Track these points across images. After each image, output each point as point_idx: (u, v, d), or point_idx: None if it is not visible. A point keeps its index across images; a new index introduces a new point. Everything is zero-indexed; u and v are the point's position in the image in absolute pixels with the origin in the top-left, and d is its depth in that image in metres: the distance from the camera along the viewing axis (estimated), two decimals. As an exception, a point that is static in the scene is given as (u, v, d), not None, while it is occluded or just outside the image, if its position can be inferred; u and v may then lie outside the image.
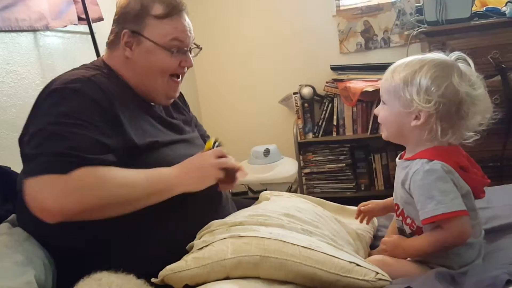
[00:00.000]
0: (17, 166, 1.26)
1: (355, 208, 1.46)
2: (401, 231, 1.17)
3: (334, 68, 2.96)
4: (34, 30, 1.84)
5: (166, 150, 1.22)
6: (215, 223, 1.13)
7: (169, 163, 1.19)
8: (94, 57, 1.97)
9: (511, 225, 1.25)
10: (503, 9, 2.37)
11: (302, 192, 3.02)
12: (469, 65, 1.07)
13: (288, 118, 3.21)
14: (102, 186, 1.03)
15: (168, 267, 1.00)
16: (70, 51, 2.08)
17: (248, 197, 2.25)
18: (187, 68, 1.32)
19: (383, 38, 2.99)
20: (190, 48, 1.31)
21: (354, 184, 2.96)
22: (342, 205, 1.46)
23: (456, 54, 1.07)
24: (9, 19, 1.66)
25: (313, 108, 3.08)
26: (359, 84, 2.74)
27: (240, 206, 1.40)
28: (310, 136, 3.03)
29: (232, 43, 3.29)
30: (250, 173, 2.88)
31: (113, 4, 2.35)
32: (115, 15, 1.29)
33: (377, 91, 2.64)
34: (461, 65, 1.05)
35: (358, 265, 0.97)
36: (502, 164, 2.35)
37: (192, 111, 1.61)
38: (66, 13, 1.95)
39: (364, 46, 3.03)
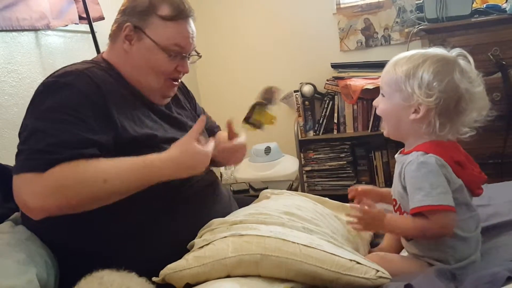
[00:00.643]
0: (19, 165, 1.27)
1: (356, 206, 1.46)
2: None
3: (335, 66, 2.96)
4: (35, 30, 1.84)
5: (166, 147, 1.21)
6: (216, 221, 1.13)
7: None
8: (95, 56, 1.98)
9: (511, 222, 1.25)
10: (504, 6, 2.37)
11: (303, 190, 3.02)
12: (469, 62, 1.07)
13: (289, 116, 3.21)
14: (82, 182, 1.01)
15: (169, 266, 1.00)
16: (71, 50, 2.08)
17: (249, 195, 2.25)
18: (183, 74, 1.31)
19: (383, 35, 2.99)
20: (189, 54, 1.30)
21: (355, 182, 2.96)
22: (342, 203, 1.46)
23: (457, 50, 1.08)
24: (10, 18, 1.67)
25: (313, 106, 3.08)
26: (359, 81, 2.74)
27: (241, 203, 1.41)
28: (311, 134, 3.03)
29: (233, 41, 3.29)
30: (251, 171, 2.89)
31: (114, 3, 2.36)
32: (122, 5, 1.28)
33: (377, 89, 2.64)
34: (462, 61, 1.06)
35: (358, 263, 0.98)
36: (502, 161, 2.36)
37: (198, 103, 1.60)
38: (67, 12, 1.95)
39: (364, 43, 3.03)
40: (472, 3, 2.41)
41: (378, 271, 0.98)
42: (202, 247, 1.03)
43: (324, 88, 2.96)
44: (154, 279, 1.01)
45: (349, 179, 2.97)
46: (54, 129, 1.03)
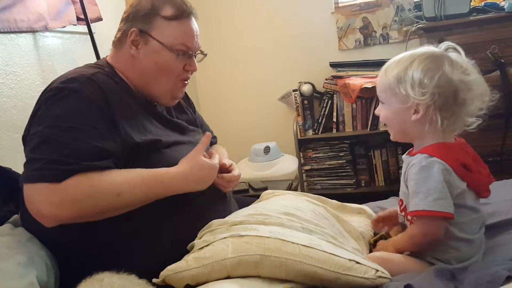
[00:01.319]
0: (18, 167, 1.27)
1: (355, 205, 1.47)
2: (403, 226, 1.18)
3: (333, 65, 2.96)
4: (33, 31, 1.83)
5: (169, 152, 1.22)
6: (215, 222, 1.13)
7: (172, 165, 1.19)
8: (94, 57, 1.98)
9: (510, 220, 1.25)
10: (502, 3, 2.37)
11: (302, 189, 3.03)
12: (459, 52, 1.08)
13: (288, 116, 3.21)
14: (96, 195, 1.03)
15: (169, 267, 1.01)
16: (69, 52, 2.08)
17: (249, 194, 2.25)
18: (191, 73, 1.32)
19: (381, 34, 2.99)
20: (195, 53, 1.31)
21: (354, 180, 2.97)
22: (342, 203, 1.46)
23: (445, 44, 1.09)
24: (8, 20, 1.66)
25: (312, 105, 3.08)
26: (358, 80, 2.74)
27: (241, 204, 1.41)
28: (310, 133, 3.04)
29: (231, 41, 3.29)
30: (250, 171, 2.89)
31: (112, 4, 2.37)
32: (124, 13, 1.29)
33: (376, 88, 2.64)
34: (452, 54, 1.06)
35: (358, 262, 0.98)
36: (501, 159, 2.36)
37: (197, 111, 1.60)
38: (65, 13, 1.95)
39: (363, 42, 3.03)
40: (470, 1, 2.41)
41: (377, 271, 0.98)
42: (202, 248, 1.03)
43: (323, 87, 2.97)
44: (154, 280, 1.01)
45: (348, 178, 2.97)
46: (66, 138, 1.04)
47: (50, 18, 1.86)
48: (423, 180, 1.03)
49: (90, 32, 1.97)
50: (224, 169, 1.34)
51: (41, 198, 1.00)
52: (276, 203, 1.25)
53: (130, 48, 1.24)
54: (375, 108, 2.75)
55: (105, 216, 1.06)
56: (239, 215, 1.17)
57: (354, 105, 2.87)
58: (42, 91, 1.17)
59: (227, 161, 1.39)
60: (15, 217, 1.23)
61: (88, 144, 1.05)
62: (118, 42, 1.28)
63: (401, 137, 1.15)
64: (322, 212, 1.24)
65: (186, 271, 0.98)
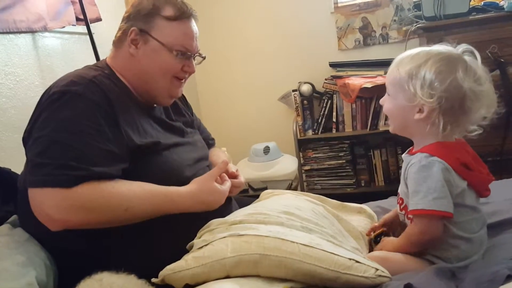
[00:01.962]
0: (17, 167, 1.27)
1: (355, 204, 1.47)
2: (403, 225, 1.18)
3: (333, 65, 2.96)
4: (32, 32, 1.83)
5: (168, 154, 1.23)
6: (215, 222, 1.13)
7: (172, 167, 1.20)
8: (93, 58, 1.97)
9: (511, 219, 1.24)
10: (501, 3, 2.37)
11: (302, 189, 3.02)
12: (476, 58, 1.05)
13: (288, 116, 3.21)
14: (105, 207, 1.04)
15: (168, 267, 1.00)
16: (68, 52, 2.08)
17: (249, 194, 2.25)
18: (189, 74, 1.33)
19: (381, 34, 2.99)
20: (194, 55, 1.32)
21: (354, 180, 2.97)
22: (342, 202, 1.46)
23: (463, 46, 1.06)
24: (7, 20, 1.66)
25: (312, 105, 3.09)
26: (358, 80, 2.74)
27: (241, 203, 1.41)
28: (309, 133, 3.04)
29: (231, 41, 3.29)
30: (250, 171, 2.89)
31: (111, 4, 2.37)
32: (126, 12, 1.30)
33: (375, 88, 2.65)
34: (468, 58, 1.04)
35: (357, 261, 0.97)
36: (501, 158, 2.36)
37: (194, 113, 1.61)
38: (64, 14, 1.95)
39: (362, 42, 3.03)
40: (470, 1, 2.41)
41: (377, 269, 0.97)
42: (201, 247, 1.03)
43: (323, 87, 2.97)
44: (153, 280, 1.01)
45: (348, 178, 2.97)
46: (74, 141, 1.04)
47: (49, 18, 1.86)
48: (422, 179, 1.02)
49: (90, 33, 1.97)
50: (232, 176, 1.35)
51: (51, 202, 1.00)
52: (276, 202, 1.25)
53: (129, 47, 1.25)
54: (375, 107, 2.78)
55: (108, 226, 1.07)
56: (238, 214, 1.17)
57: (354, 105, 2.87)
58: (42, 92, 1.17)
59: (233, 168, 1.41)
60: (14, 217, 1.23)
61: (96, 148, 1.05)
62: (118, 41, 1.29)
63: (400, 131, 1.15)
64: (321, 211, 1.24)
65: (185, 270, 0.98)
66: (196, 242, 1.07)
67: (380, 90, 2.70)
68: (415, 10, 2.71)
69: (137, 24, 1.25)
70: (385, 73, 2.73)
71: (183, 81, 1.33)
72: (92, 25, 2.00)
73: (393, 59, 1.11)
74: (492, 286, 0.89)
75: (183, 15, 1.26)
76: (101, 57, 1.39)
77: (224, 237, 1.02)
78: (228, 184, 1.27)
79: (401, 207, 1.17)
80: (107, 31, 2.18)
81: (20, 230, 1.14)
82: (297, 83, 3.05)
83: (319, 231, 1.09)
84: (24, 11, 1.73)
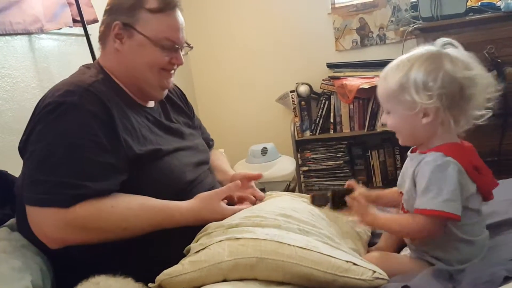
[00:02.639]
0: (14, 170, 1.26)
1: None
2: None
3: (330, 66, 2.96)
4: (28, 33, 1.82)
5: (169, 159, 1.21)
6: (212, 225, 1.12)
7: (173, 172, 1.19)
8: (90, 59, 1.96)
9: (509, 220, 1.24)
10: (498, 3, 2.37)
11: (300, 190, 3.02)
12: (457, 47, 1.05)
13: (285, 116, 3.21)
14: (103, 227, 1.04)
15: (165, 271, 1.00)
16: (65, 54, 2.07)
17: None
18: (177, 66, 1.30)
19: (378, 35, 2.99)
20: (181, 46, 1.29)
21: (352, 181, 2.96)
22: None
23: (441, 40, 1.06)
24: (3, 22, 1.65)
25: (310, 106, 3.08)
26: (355, 81, 2.74)
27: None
28: (307, 134, 3.03)
29: (228, 42, 3.29)
30: (248, 172, 2.88)
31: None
32: (107, 5, 1.26)
33: (373, 88, 2.65)
34: (450, 50, 1.04)
35: (355, 264, 0.97)
36: (499, 159, 2.36)
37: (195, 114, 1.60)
38: (61, 15, 1.94)
39: (359, 43, 3.03)
40: (467, 1, 2.41)
41: (375, 272, 0.97)
42: (198, 251, 1.02)
43: (320, 88, 2.96)
44: (150, 285, 1.00)
45: (346, 179, 2.94)
46: (71, 157, 1.02)
47: (46, 20, 1.85)
48: (437, 179, 1.00)
49: (86, 34, 1.96)
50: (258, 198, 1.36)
51: (49, 222, 1.00)
52: (273, 204, 1.25)
53: (114, 42, 1.22)
54: (372, 108, 2.78)
55: (107, 241, 1.06)
56: (235, 217, 1.16)
57: (351, 106, 2.87)
58: (39, 94, 1.16)
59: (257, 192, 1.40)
60: (12, 221, 1.22)
61: (94, 162, 1.04)
62: (103, 36, 1.26)
63: (411, 142, 1.12)
64: (318, 212, 1.24)
65: (182, 275, 0.98)
66: (193, 246, 1.07)
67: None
68: (412, 10, 2.70)
69: (120, 17, 1.21)
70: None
71: (172, 72, 1.30)
72: (89, 27, 1.99)
73: (391, 59, 1.09)
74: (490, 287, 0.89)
75: (168, 6, 1.22)
76: (99, 60, 1.38)
77: (221, 240, 1.01)
78: (234, 209, 1.23)
79: (401, 206, 1.16)
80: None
81: (18, 235, 1.13)
82: (295, 84, 3.05)
83: (316, 233, 1.09)
84: (20, 13, 1.73)
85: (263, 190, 2.20)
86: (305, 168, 3.03)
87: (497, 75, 2.29)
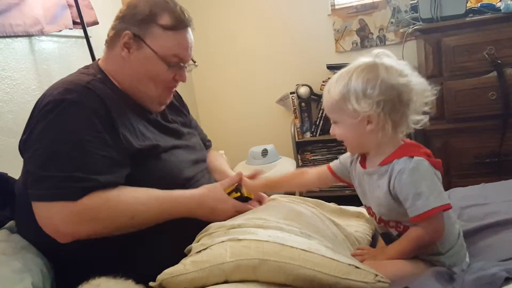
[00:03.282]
0: (14, 172, 1.26)
1: (354, 209, 1.47)
2: (386, 235, 1.18)
3: (331, 67, 2.96)
4: (29, 35, 1.83)
5: (167, 156, 1.22)
6: (214, 225, 1.12)
7: (172, 169, 1.20)
8: (90, 61, 1.97)
9: (508, 220, 1.25)
10: (498, 4, 2.37)
11: (301, 192, 3.02)
12: (390, 56, 1.08)
13: (286, 118, 3.21)
14: (111, 217, 1.04)
15: (166, 271, 1.00)
16: (65, 56, 2.07)
17: (247, 198, 2.25)
18: (178, 82, 1.31)
19: (378, 36, 2.99)
20: (187, 64, 1.30)
21: (352, 182, 2.96)
22: (341, 207, 1.46)
23: (375, 51, 1.09)
24: (3, 25, 1.66)
25: (310, 107, 3.08)
26: (355, 82, 2.74)
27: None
28: (307, 135, 3.04)
29: (228, 44, 3.29)
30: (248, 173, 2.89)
31: (108, 7, 2.36)
32: (120, 12, 1.26)
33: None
34: (385, 59, 1.06)
35: (357, 267, 0.97)
36: (499, 160, 2.36)
37: (190, 113, 1.60)
38: (61, 17, 1.95)
39: (359, 44, 3.04)
40: (467, 3, 2.42)
41: (377, 275, 0.97)
42: (199, 251, 1.02)
43: (320, 89, 2.97)
44: (151, 284, 1.00)
45: (346, 180, 2.97)
46: (74, 152, 1.03)
47: (46, 22, 1.86)
48: (419, 181, 1.02)
49: (86, 36, 1.97)
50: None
51: (59, 216, 1.00)
52: (275, 207, 1.25)
53: (121, 50, 1.23)
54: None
55: (116, 234, 1.07)
56: (237, 218, 1.16)
57: (352, 107, 2.87)
58: (39, 96, 1.15)
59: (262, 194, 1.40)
60: (11, 223, 1.22)
61: (98, 156, 1.05)
62: (111, 41, 1.26)
63: (359, 150, 1.16)
64: (320, 216, 1.24)
65: (183, 275, 0.97)
66: (195, 246, 1.07)
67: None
68: (412, 12, 2.71)
69: (132, 28, 1.21)
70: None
71: (174, 90, 1.32)
72: (89, 29, 2.00)
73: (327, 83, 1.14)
74: (490, 289, 0.89)
75: (180, 25, 1.23)
76: (99, 61, 1.38)
77: (223, 241, 1.01)
78: (246, 206, 1.25)
79: (377, 220, 1.16)
80: (104, 35, 2.16)
81: (18, 237, 1.13)
82: (295, 86, 3.05)
83: (318, 237, 1.09)
84: (20, 15, 1.73)
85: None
86: (305, 170, 3.03)
87: (497, 76, 2.29)
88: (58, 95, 1.09)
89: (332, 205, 1.44)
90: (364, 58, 1.09)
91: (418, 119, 1.07)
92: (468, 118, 2.35)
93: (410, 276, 1.01)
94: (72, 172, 1.01)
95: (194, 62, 1.34)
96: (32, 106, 1.15)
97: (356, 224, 1.36)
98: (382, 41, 2.99)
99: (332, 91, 1.08)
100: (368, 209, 1.18)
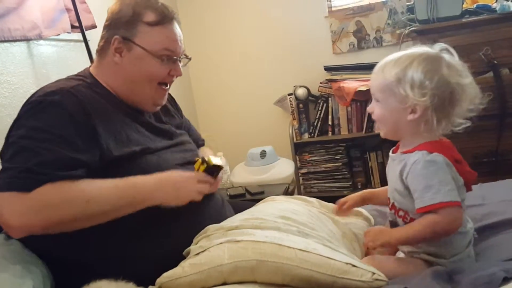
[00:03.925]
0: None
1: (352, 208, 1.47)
2: (393, 224, 1.18)
3: (328, 69, 2.97)
4: (27, 40, 1.83)
5: (154, 157, 1.22)
6: (212, 227, 1.13)
7: (157, 170, 1.18)
8: (88, 64, 1.97)
9: (506, 221, 1.25)
10: (494, 5, 2.38)
11: (299, 193, 3.03)
12: (453, 55, 1.08)
13: (284, 119, 3.22)
14: (65, 203, 1.01)
15: (165, 274, 1.00)
16: (64, 60, 2.08)
17: (246, 199, 2.25)
18: (176, 77, 1.32)
19: (375, 37, 3.00)
20: (180, 57, 1.31)
21: (350, 183, 2.97)
22: (338, 206, 1.46)
23: (439, 45, 1.09)
24: (1, 29, 1.66)
25: (308, 108, 3.09)
26: (352, 83, 2.75)
27: (237, 208, 1.41)
28: (305, 136, 3.04)
29: (226, 45, 3.30)
30: (247, 175, 2.89)
31: (106, 11, 2.37)
32: (106, 21, 1.29)
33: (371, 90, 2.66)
34: (446, 55, 1.07)
35: (354, 266, 0.98)
36: (496, 159, 2.37)
37: (188, 115, 1.60)
38: (59, 21, 1.95)
39: (356, 46, 3.04)
40: (463, 4, 2.42)
41: (374, 273, 0.98)
42: (198, 254, 1.03)
43: (318, 90, 2.97)
44: (150, 287, 1.00)
45: (344, 181, 2.98)
46: (40, 148, 1.03)
47: (44, 26, 1.86)
48: (432, 174, 1.02)
49: (85, 40, 1.97)
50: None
51: (9, 207, 0.98)
52: (272, 206, 1.26)
53: (113, 55, 1.24)
54: (370, 114, 2.77)
55: (78, 226, 1.04)
56: (235, 220, 1.17)
57: (349, 108, 2.88)
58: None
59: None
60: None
61: (63, 155, 1.04)
62: (101, 50, 1.28)
63: (392, 135, 1.15)
64: (317, 214, 1.25)
65: (182, 277, 0.98)
66: (193, 248, 1.07)
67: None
68: (408, 13, 2.72)
69: (119, 32, 1.23)
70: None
71: (167, 88, 1.33)
72: (87, 32, 2.00)
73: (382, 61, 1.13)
74: (488, 289, 0.90)
75: (165, 19, 1.25)
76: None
77: (221, 243, 1.02)
78: (207, 176, 1.22)
79: (390, 206, 1.17)
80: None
81: (15, 240, 1.13)
82: (293, 87, 3.06)
83: (316, 235, 1.10)
84: (18, 19, 1.73)
85: (262, 193, 2.23)
86: (304, 171, 3.04)
87: (493, 76, 2.30)
88: (39, 96, 1.12)
89: (331, 204, 1.45)
90: (427, 48, 1.08)
91: (459, 121, 1.07)
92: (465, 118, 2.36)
93: (409, 275, 1.02)
94: (31, 166, 1.00)
95: (187, 56, 1.35)
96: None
97: (354, 221, 1.37)
98: (379, 43, 3.00)
99: (387, 71, 1.07)
100: (388, 198, 1.18)
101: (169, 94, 1.57)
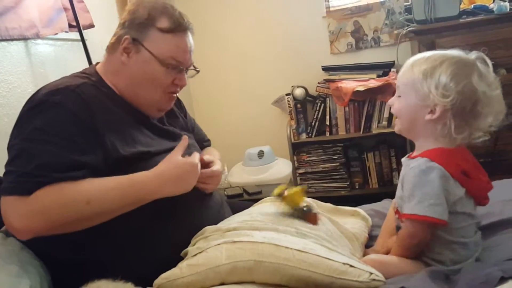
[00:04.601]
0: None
1: (349, 208, 1.47)
2: (398, 229, 1.18)
3: (326, 69, 2.97)
4: (25, 39, 1.83)
5: (158, 159, 1.20)
6: (209, 229, 1.13)
7: None
8: (86, 64, 1.97)
9: (503, 221, 1.25)
10: (491, 6, 2.39)
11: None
12: (488, 65, 1.07)
13: (281, 119, 3.22)
14: (64, 204, 1.01)
15: (162, 275, 1.00)
16: (61, 59, 2.07)
17: (243, 199, 2.25)
18: (181, 87, 1.30)
19: (373, 37, 3.01)
20: (187, 68, 1.30)
21: (348, 183, 2.98)
22: (336, 206, 1.47)
23: (476, 53, 1.08)
24: (-1, 28, 1.66)
25: (305, 108, 3.10)
26: (350, 84, 2.76)
27: (235, 208, 1.41)
28: (303, 136, 3.05)
29: (224, 46, 3.30)
30: (245, 175, 2.90)
31: (104, 11, 2.37)
32: (122, 19, 1.28)
33: (368, 91, 2.67)
34: (480, 65, 1.05)
35: (352, 266, 0.98)
36: (493, 159, 2.37)
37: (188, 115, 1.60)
38: (57, 20, 1.94)
39: (354, 46, 3.05)
40: (460, 4, 2.43)
41: (371, 274, 0.98)
42: (195, 255, 1.03)
43: (316, 91, 2.98)
44: (148, 289, 1.01)
45: (342, 181, 2.98)
46: (42, 151, 1.03)
47: (42, 25, 1.86)
48: (420, 185, 1.03)
49: (82, 39, 1.97)
50: (203, 165, 1.28)
51: (12, 210, 0.99)
52: (270, 208, 1.25)
53: (121, 55, 1.23)
54: (367, 110, 2.80)
55: (80, 227, 1.03)
56: (232, 221, 1.17)
57: (347, 108, 2.89)
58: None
59: (207, 157, 1.34)
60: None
61: (63, 157, 1.03)
62: (112, 47, 1.27)
63: (407, 132, 1.15)
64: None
65: (180, 278, 0.98)
66: (191, 249, 1.07)
67: (372, 93, 2.72)
68: (406, 13, 2.72)
69: (131, 32, 1.22)
70: (378, 76, 2.74)
71: (175, 95, 1.31)
72: (85, 32, 2.00)
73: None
74: (485, 288, 0.90)
75: (179, 27, 1.23)
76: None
77: (219, 244, 1.02)
78: (196, 156, 1.19)
79: (395, 210, 1.18)
80: (100, 38, 2.18)
81: (13, 240, 1.13)
82: (290, 87, 3.06)
83: (313, 235, 1.10)
84: (16, 18, 1.73)
85: (260, 193, 2.22)
86: (301, 171, 3.04)
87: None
88: (43, 95, 1.10)
89: (328, 204, 1.45)
90: (463, 52, 1.07)
91: (478, 135, 1.06)
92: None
93: (407, 275, 1.02)
94: (31, 169, 1.00)
95: (196, 68, 1.33)
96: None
97: (352, 221, 1.37)
98: (376, 43, 3.01)
99: (416, 66, 1.07)
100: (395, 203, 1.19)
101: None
